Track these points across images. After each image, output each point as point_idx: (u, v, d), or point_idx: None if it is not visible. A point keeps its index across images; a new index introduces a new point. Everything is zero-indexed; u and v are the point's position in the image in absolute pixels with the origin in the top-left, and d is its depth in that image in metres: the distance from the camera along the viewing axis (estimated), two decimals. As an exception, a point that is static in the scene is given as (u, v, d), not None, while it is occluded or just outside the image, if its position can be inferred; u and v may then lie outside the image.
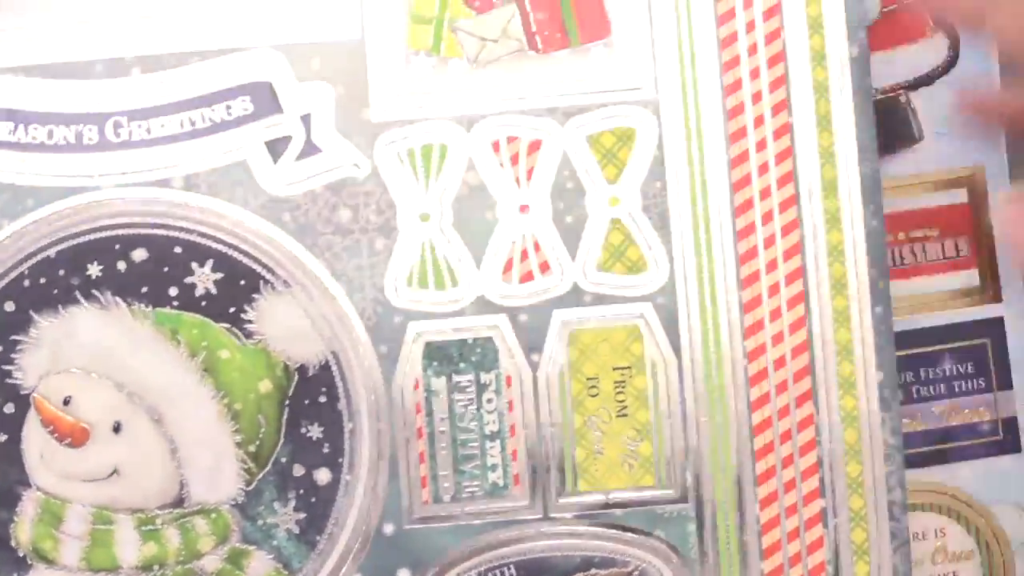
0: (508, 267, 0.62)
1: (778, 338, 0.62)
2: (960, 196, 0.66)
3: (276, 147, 0.62)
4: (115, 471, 0.63)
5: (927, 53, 0.67)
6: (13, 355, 0.62)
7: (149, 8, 0.62)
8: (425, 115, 0.62)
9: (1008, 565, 0.67)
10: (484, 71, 0.63)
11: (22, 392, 0.62)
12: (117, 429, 0.62)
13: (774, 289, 0.62)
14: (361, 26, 0.62)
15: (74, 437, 0.62)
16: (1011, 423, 0.68)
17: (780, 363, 0.62)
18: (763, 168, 0.62)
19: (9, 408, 0.63)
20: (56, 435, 0.62)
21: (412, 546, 0.62)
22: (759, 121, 0.62)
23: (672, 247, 0.62)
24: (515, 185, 0.62)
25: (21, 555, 0.63)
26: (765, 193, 0.62)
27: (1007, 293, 0.67)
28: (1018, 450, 0.68)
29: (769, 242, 0.62)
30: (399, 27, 0.62)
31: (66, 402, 0.62)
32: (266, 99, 0.62)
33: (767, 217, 0.62)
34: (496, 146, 0.62)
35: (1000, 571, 0.66)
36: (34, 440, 0.63)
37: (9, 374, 0.62)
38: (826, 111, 0.62)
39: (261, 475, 0.63)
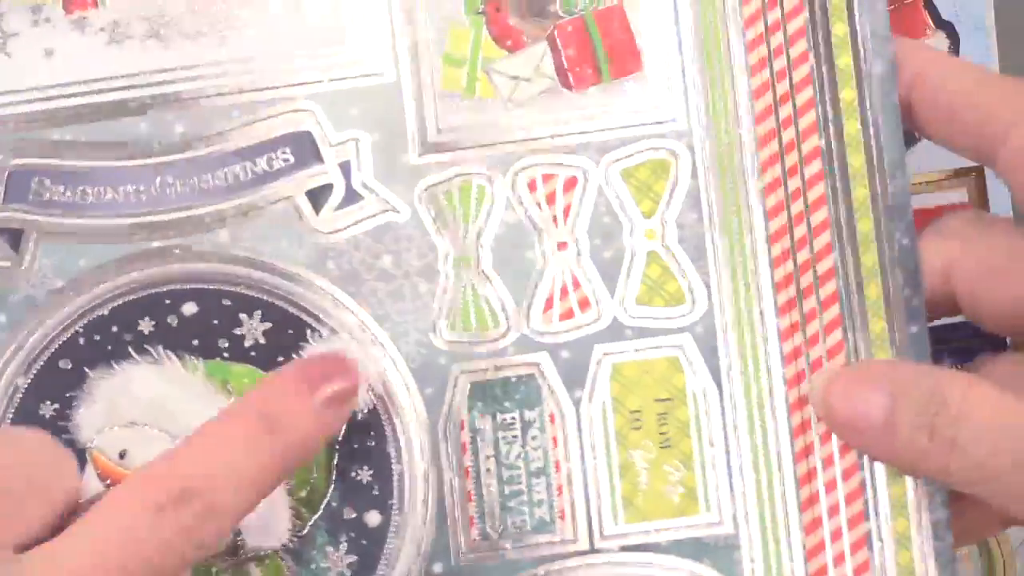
0: (548, 305, 0.63)
1: (817, 363, 0.62)
2: (960, 196, 0.65)
3: (318, 196, 0.64)
4: (172, 521, 0.64)
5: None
6: (69, 411, 0.64)
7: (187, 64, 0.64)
8: (463, 157, 0.63)
9: (1008, 565, 0.66)
10: (519, 110, 0.64)
11: (79, 447, 0.64)
12: (172, 479, 0.64)
13: (811, 315, 0.62)
14: (396, 71, 0.64)
15: (131, 489, 0.64)
16: (1010, 423, 0.67)
17: (822, 389, 0.62)
18: (796, 194, 0.62)
19: (68, 463, 0.64)
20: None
21: (463, 584, 0.63)
22: (790, 147, 0.62)
23: (710, 278, 0.62)
24: (552, 224, 0.63)
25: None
26: (799, 219, 0.62)
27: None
28: (1017, 450, 0.67)
29: (804, 268, 0.62)
30: (433, 70, 0.64)
31: (122, 455, 0.64)
32: (306, 149, 0.64)
33: (801, 243, 0.62)
34: (533, 185, 0.63)
35: (1000, 571, 0.65)
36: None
37: (66, 430, 0.64)
38: (855, 131, 0.62)
39: (313, 520, 0.64)
